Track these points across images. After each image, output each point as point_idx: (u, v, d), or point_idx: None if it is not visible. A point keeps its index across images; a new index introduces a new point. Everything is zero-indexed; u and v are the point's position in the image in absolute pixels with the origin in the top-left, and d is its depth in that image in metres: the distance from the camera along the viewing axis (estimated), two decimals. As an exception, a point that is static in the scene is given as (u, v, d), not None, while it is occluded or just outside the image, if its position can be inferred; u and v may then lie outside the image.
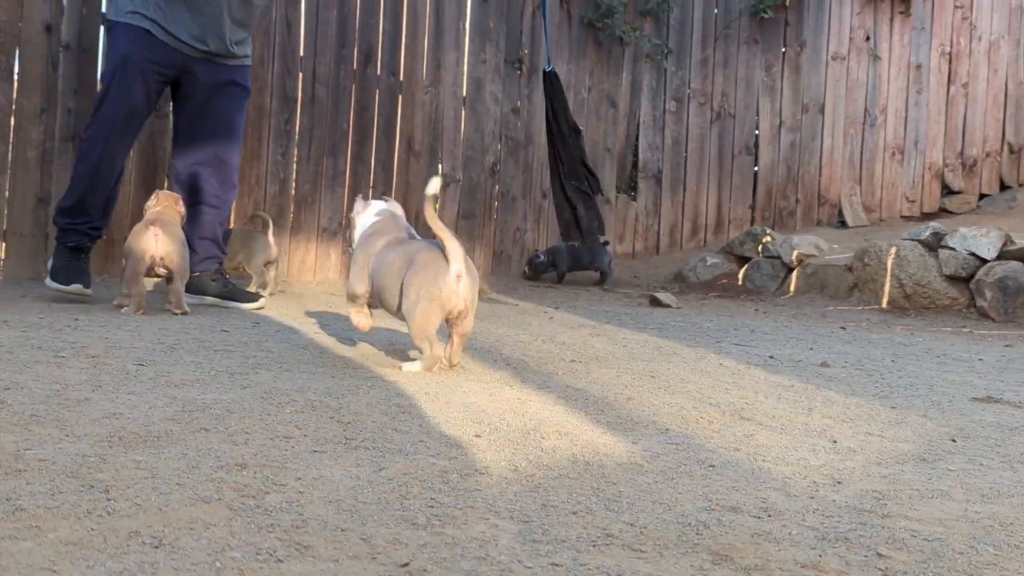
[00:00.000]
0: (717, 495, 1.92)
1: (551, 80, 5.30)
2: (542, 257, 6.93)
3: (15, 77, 4.98)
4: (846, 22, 8.32)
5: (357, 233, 3.42)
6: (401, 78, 6.46)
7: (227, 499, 1.69)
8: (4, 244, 5.02)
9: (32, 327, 3.57)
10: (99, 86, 4.63)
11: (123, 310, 4.15)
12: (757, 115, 8.19)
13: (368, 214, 3.43)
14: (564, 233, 6.53)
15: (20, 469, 1.78)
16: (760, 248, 7.34)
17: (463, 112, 6.83)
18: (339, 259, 6.14)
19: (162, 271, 4.19)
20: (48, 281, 4.42)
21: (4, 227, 4.98)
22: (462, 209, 6.81)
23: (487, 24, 6.90)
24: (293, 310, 4.78)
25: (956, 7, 8.55)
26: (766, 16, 7.94)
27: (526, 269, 6.98)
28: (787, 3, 8.05)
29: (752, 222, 8.06)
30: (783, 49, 8.19)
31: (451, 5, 6.69)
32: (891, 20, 8.42)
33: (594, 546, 1.58)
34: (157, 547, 1.45)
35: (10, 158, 4.98)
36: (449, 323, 3.11)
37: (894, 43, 8.46)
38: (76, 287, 4.36)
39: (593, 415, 2.65)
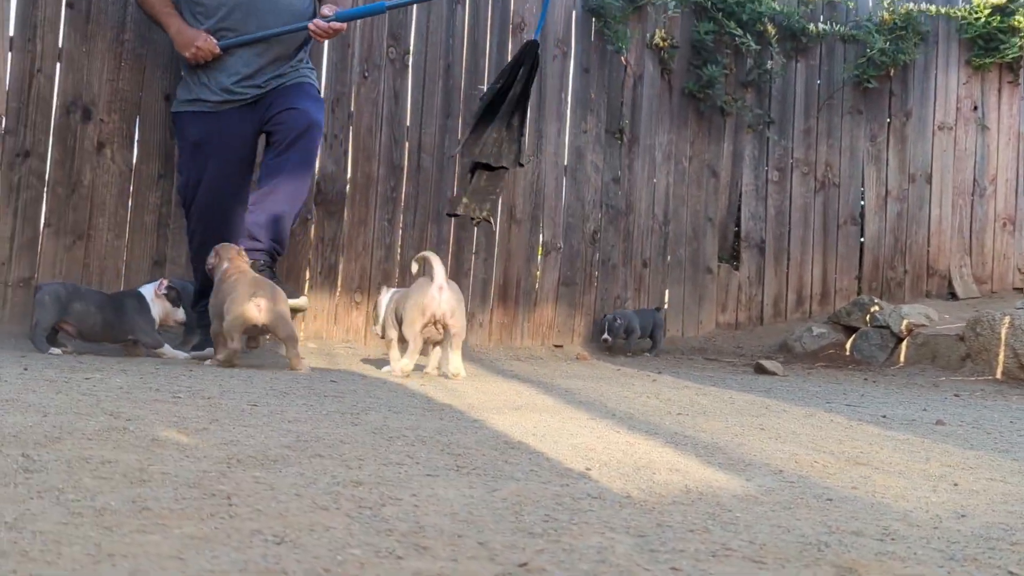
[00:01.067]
0: (837, 522, 1.88)
1: (534, 50, 4.89)
2: (619, 321, 6.79)
3: (135, 144, 5.19)
4: (952, 92, 8.22)
5: (381, 309, 4.71)
6: (504, 147, 6.57)
7: (345, 509, 1.71)
8: (122, 304, 5.19)
9: (148, 375, 3.68)
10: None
11: (208, 362, 4.26)
12: (862, 185, 8.09)
13: (387, 295, 4.74)
14: (450, 203, 5.61)
15: (144, 480, 1.82)
16: (868, 318, 7.20)
17: (564, 181, 6.90)
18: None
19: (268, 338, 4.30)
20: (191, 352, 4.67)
21: (122, 288, 5.15)
22: (562, 276, 6.84)
23: (588, 95, 6.99)
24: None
25: (1067, 75, 8.40)
26: (870, 86, 7.89)
27: (607, 337, 6.77)
28: (891, 73, 7.99)
29: (858, 293, 7.92)
30: (888, 119, 8.12)
31: (553, 77, 6.81)
32: (999, 90, 8.29)
33: (714, 556, 1.56)
34: (279, 543, 1.47)
35: (129, 222, 5.18)
36: (439, 329, 4.34)
37: (1003, 112, 8.32)
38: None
39: (704, 456, 2.61)
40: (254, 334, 4.32)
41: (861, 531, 1.81)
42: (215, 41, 4.75)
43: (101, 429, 2.32)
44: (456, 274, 6.29)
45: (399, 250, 6.10)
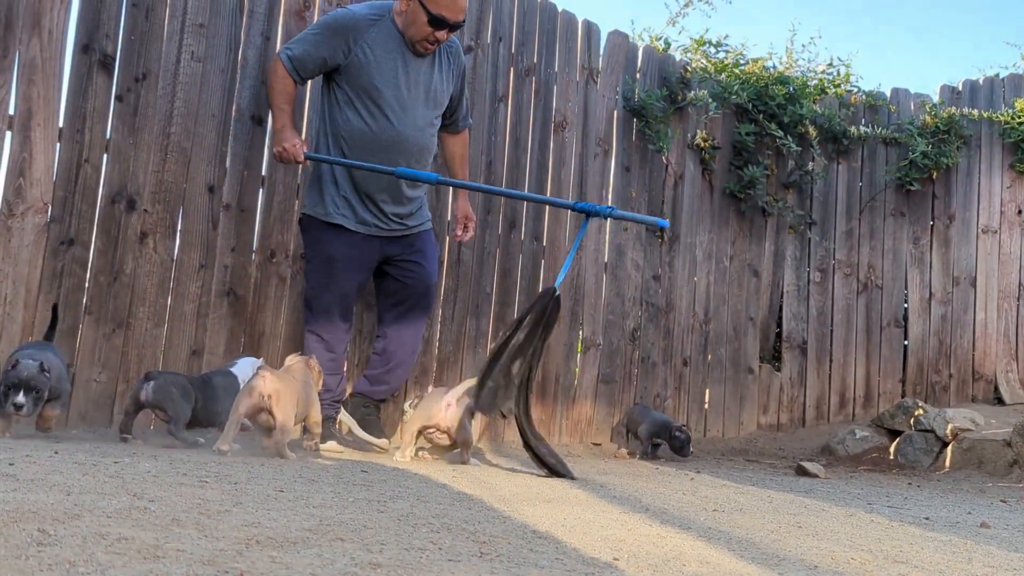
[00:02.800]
0: (871, 618, 1.81)
1: (549, 296, 4.63)
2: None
3: (177, 234, 5.26)
4: (996, 196, 8.18)
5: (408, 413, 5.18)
6: (544, 243, 6.59)
7: (359, 589, 1.67)
8: (159, 393, 5.19)
9: (178, 461, 3.66)
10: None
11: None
12: (906, 287, 8.02)
13: (411, 401, 5.38)
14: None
15: (158, 556, 1.80)
16: (912, 421, 7.06)
17: (604, 278, 6.90)
18: (479, 419, 6.13)
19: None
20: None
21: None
22: (601, 373, 6.79)
23: (629, 193, 7.03)
24: (437, 464, 4.79)
25: (1112, 179, 8.33)
26: (912, 188, 7.86)
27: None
28: (933, 176, 7.98)
29: (902, 396, 7.78)
30: (931, 221, 8.07)
31: (595, 175, 6.86)
32: (1044, 193, 8.25)
33: (737, 646, 1.50)
34: (288, 619, 1.44)
35: (168, 311, 5.22)
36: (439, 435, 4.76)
37: (1048, 216, 8.26)
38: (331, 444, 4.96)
39: (736, 551, 2.54)
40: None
41: (896, 626, 1.73)
42: (304, 151, 4.98)
43: (122, 508, 2.30)
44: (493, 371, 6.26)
45: (437, 343, 6.09)
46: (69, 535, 1.90)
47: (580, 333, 6.76)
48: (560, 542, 2.41)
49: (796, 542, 2.82)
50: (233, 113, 5.40)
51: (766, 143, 7.53)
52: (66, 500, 2.33)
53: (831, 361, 7.78)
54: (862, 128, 7.83)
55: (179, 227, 5.26)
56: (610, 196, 6.98)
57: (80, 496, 2.43)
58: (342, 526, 2.34)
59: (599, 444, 6.70)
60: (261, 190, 5.51)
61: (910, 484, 5.92)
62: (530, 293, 6.50)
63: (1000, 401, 7.97)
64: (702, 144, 7.31)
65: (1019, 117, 8.04)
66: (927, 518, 3.86)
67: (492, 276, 6.34)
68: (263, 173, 5.51)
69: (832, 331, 7.81)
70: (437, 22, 4.87)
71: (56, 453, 3.48)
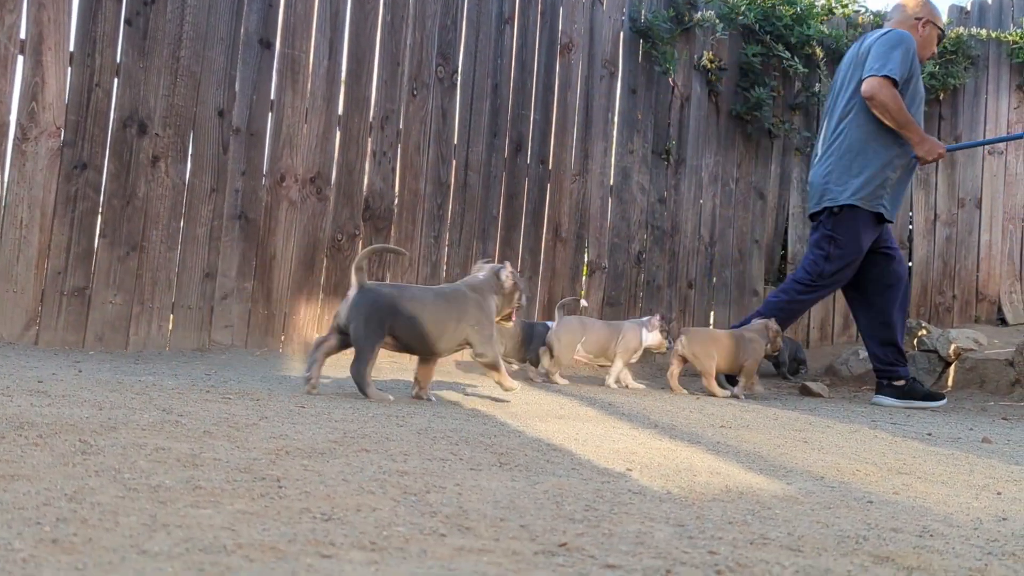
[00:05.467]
0: (876, 521, 1.89)
1: None
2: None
3: (189, 158, 5.30)
4: (1003, 116, 8.16)
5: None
6: (550, 167, 6.62)
7: (390, 494, 1.75)
8: (172, 316, 5.29)
9: (199, 379, 3.75)
10: None
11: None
12: (911, 209, 8.05)
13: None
14: None
15: (196, 464, 1.88)
16: (916, 342, 7.14)
17: (610, 201, 6.94)
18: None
19: None
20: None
21: (173, 299, 5.25)
22: (607, 296, 6.86)
23: (635, 116, 7.03)
24: (444, 379, 4.88)
25: (1119, 101, 8.31)
26: (919, 110, 7.86)
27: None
28: (941, 97, 7.96)
29: (907, 317, 7.85)
30: (937, 143, 8.08)
31: (600, 97, 6.86)
32: (1051, 113, 8.24)
33: (751, 544, 1.58)
34: (327, 520, 1.51)
35: (181, 234, 5.27)
36: None
37: (1054, 137, 8.25)
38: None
39: (745, 463, 2.62)
40: None
41: (900, 528, 1.82)
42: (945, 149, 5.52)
43: (154, 422, 2.38)
44: (501, 291, 6.33)
45: (444, 267, 6.15)
46: (109, 445, 1.98)
47: (586, 256, 6.81)
48: (574, 454, 2.49)
49: (802, 455, 2.91)
50: (242, 36, 5.40)
51: (773, 64, 7.51)
52: (99, 414, 2.41)
53: (835, 283, 7.83)
54: (869, 49, 7.79)
55: (190, 151, 5.30)
56: (616, 119, 6.98)
57: (112, 411, 2.51)
58: (366, 438, 2.42)
59: (606, 365, 6.78)
60: (270, 114, 5.53)
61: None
62: (536, 217, 6.55)
63: (1003, 322, 8.05)
64: (709, 66, 7.29)
65: (1027, 37, 8.00)
66: (929, 434, 3.95)
67: (498, 200, 6.38)
68: (272, 97, 5.53)
69: (836, 253, 7.85)
70: (941, 37, 5.68)
71: (80, 372, 3.57)
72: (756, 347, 5.21)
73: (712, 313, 7.47)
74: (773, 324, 5.27)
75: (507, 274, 3.76)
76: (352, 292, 3.43)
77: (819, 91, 7.64)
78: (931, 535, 1.77)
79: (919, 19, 5.49)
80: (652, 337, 5.50)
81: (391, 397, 3.54)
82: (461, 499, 1.76)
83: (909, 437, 3.73)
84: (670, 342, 5.52)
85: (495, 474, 2.07)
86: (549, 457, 2.40)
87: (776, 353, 5.65)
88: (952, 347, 6.75)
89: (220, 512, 1.51)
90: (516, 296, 3.78)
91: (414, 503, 1.69)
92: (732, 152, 7.54)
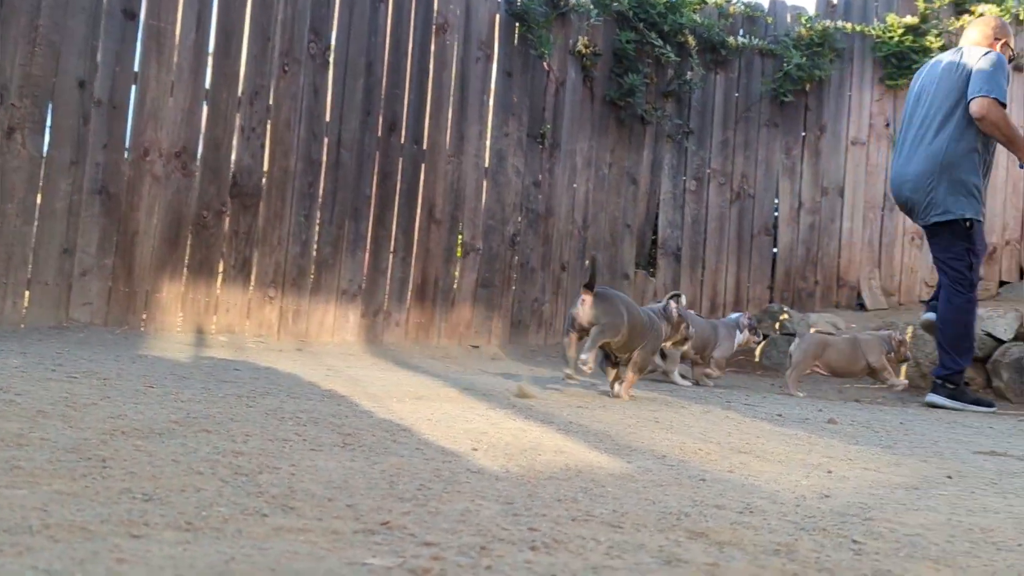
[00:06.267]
0: (703, 498, 1.95)
1: None
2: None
3: (47, 130, 5.14)
4: (865, 108, 8.43)
5: None
6: (424, 147, 6.60)
7: (220, 475, 1.74)
8: (28, 292, 5.12)
9: (48, 357, 3.65)
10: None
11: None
12: (777, 197, 8.27)
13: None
14: None
15: (21, 444, 1.83)
16: (777, 326, 7.36)
17: (485, 183, 6.96)
18: (357, 321, 6.21)
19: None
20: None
21: (29, 275, 5.08)
22: (481, 277, 6.89)
23: (511, 99, 7.06)
24: (311, 364, 4.84)
25: (975, 97, 8.63)
26: (786, 100, 8.07)
27: None
28: (807, 88, 8.19)
29: (771, 302, 8.08)
30: (803, 133, 8.31)
31: (475, 79, 6.87)
32: (910, 107, 8.53)
33: (573, 520, 1.61)
34: (147, 501, 1.50)
35: (38, 208, 5.11)
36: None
37: (913, 130, 8.54)
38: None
39: (592, 443, 2.68)
40: None
41: (724, 505, 1.88)
42: None
43: (-13, 401, 2.32)
44: (373, 272, 6.31)
45: (315, 246, 6.09)
46: (-71, 425, 1.92)
47: (460, 238, 6.83)
48: (423, 434, 2.50)
49: (650, 435, 2.98)
50: (104, 6, 5.25)
51: (646, 52, 7.62)
52: (-73, 394, 2.34)
53: (704, 267, 8.02)
54: (740, 39, 7.98)
55: (48, 123, 5.13)
56: (491, 101, 7.00)
57: (-58, 390, 2.43)
58: (209, 419, 2.39)
59: (477, 347, 6.82)
60: (134, 86, 5.39)
61: (772, 385, 6.21)
62: (410, 197, 6.54)
63: (862, 307, 8.33)
64: (583, 51, 7.36)
65: (890, 32, 8.27)
66: (779, 415, 4.08)
67: (372, 179, 6.34)
68: (136, 69, 5.39)
69: (705, 238, 8.04)
70: (1012, 58, 6.01)
71: (-81, 350, 3.44)
72: (875, 348, 5.57)
73: (584, 296, 7.56)
74: (898, 335, 5.63)
75: (673, 307, 4.66)
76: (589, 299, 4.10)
77: (691, 79, 7.78)
78: (752, 512, 1.84)
79: (998, 40, 5.81)
80: (743, 336, 5.92)
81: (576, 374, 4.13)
82: (293, 479, 1.76)
83: (759, 418, 3.85)
84: (758, 338, 6.09)
85: (335, 454, 2.07)
86: (396, 437, 2.41)
87: (903, 362, 5.95)
88: (811, 330, 6.97)
89: (35, 492, 1.48)
90: (682, 327, 4.72)
91: (243, 484, 1.68)
92: (606, 137, 7.63)
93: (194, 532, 1.34)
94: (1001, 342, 6.46)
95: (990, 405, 5.55)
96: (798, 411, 4.31)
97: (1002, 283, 8.68)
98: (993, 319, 6.45)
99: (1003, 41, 5.79)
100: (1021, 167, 5.79)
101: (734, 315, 6.13)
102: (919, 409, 5.25)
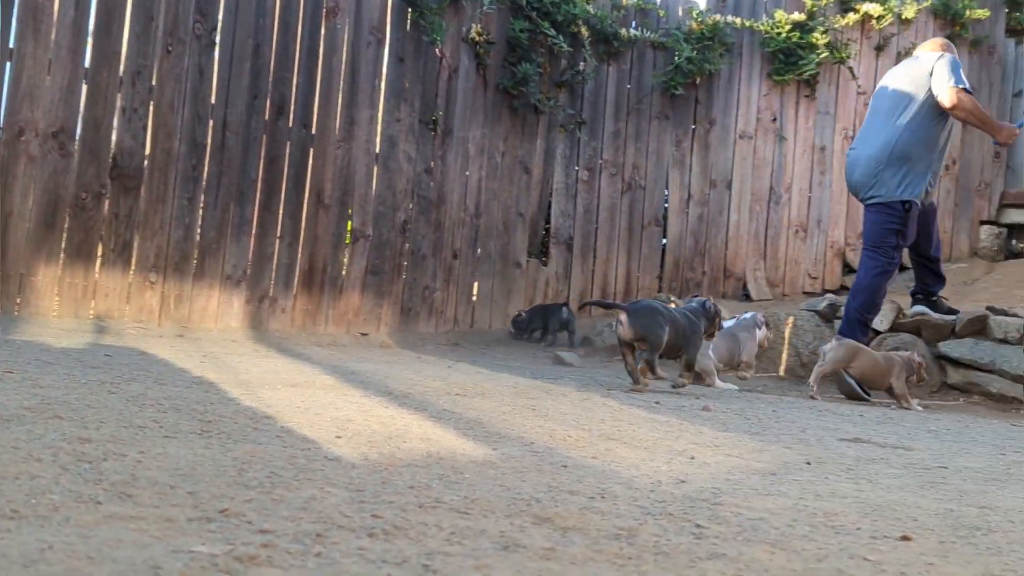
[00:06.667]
0: (560, 484, 1.97)
1: None
2: (522, 314, 7.42)
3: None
4: (754, 103, 8.59)
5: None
6: (313, 131, 6.52)
7: (61, 461, 1.70)
8: None
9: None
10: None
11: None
12: (667, 188, 8.38)
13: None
14: None
15: None
16: (664, 315, 7.46)
17: (375, 168, 6.90)
18: (241, 307, 6.12)
19: None
20: None
21: None
22: (370, 264, 6.84)
23: (402, 85, 7.01)
24: (188, 351, 4.76)
25: (859, 93, 8.88)
26: (677, 93, 8.18)
27: (512, 329, 7.46)
28: (697, 82, 8.31)
29: (659, 291, 8.19)
30: (693, 126, 8.43)
31: (367, 64, 6.80)
32: (797, 103, 8.71)
33: (420, 507, 1.61)
34: (-25, 489, 1.45)
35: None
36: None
37: (799, 125, 8.74)
38: None
39: (462, 430, 2.68)
40: None
41: (578, 491, 1.90)
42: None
43: None
44: (259, 258, 6.22)
45: (199, 230, 5.97)
46: None
47: (349, 224, 6.77)
48: (288, 422, 2.48)
49: (523, 422, 3.00)
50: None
51: (540, 41, 7.64)
52: None
53: (595, 257, 8.09)
54: (632, 31, 8.05)
55: None
56: (383, 86, 6.95)
57: None
58: (64, 405, 2.33)
59: (366, 334, 6.78)
60: (8, 63, 5.22)
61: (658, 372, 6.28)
62: (297, 182, 6.45)
63: (748, 297, 8.50)
64: (477, 38, 7.34)
65: (778, 28, 8.44)
66: (657, 402, 4.14)
67: (258, 163, 6.24)
68: (11, 46, 5.22)
69: (597, 228, 8.11)
70: None
71: None
72: (898, 370, 5.53)
73: (476, 284, 7.57)
74: (917, 357, 5.54)
75: (711, 302, 5.08)
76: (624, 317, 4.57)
77: (583, 70, 7.83)
78: (604, 497, 1.86)
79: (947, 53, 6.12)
80: (762, 333, 5.94)
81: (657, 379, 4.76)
82: (138, 467, 1.72)
83: (636, 406, 3.90)
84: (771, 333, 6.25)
85: (190, 442, 2.04)
86: (259, 425, 2.38)
87: (920, 383, 5.84)
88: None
89: None
90: (717, 320, 5.06)
91: (84, 471, 1.65)
92: (499, 126, 7.64)
93: (18, 520, 1.30)
94: (878, 333, 6.64)
95: None
96: (676, 399, 4.38)
97: (882, 275, 8.92)
98: (870, 310, 6.64)
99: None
100: (994, 144, 6.07)
101: (748, 315, 6.16)
102: (796, 398, 5.37)
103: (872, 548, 1.64)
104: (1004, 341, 5.77)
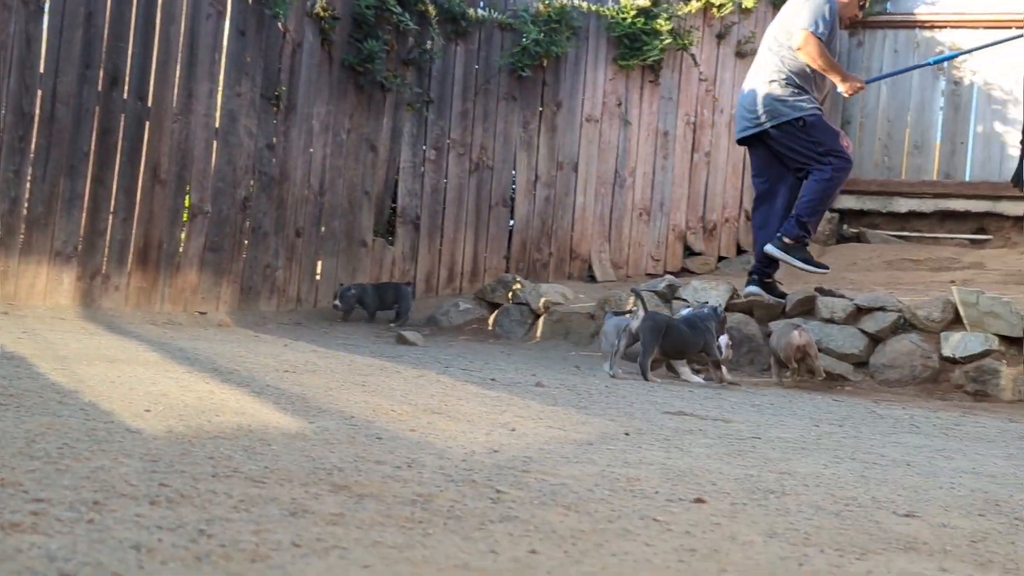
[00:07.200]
0: (369, 455, 1.96)
1: None
2: (352, 291, 7.15)
3: None
4: (600, 87, 8.71)
5: None
6: (150, 104, 6.31)
7: None
8: None
9: None
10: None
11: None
12: (514, 169, 8.43)
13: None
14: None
15: None
16: (510, 295, 7.52)
17: (215, 143, 6.73)
18: (72, 284, 5.89)
19: None
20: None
21: None
22: (209, 242, 6.67)
23: (244, 58, 6.85)
24: (8, 328, 4.56)
25: (701, 80, 9.10)
26: (524, 75, 8.22)
27: (337, 304, 7.17)
28: (544, 64, 8.37)
29: (507, 272, 8.25)
30: (540, 108, 8.50)
31: (206, 35, 6.62)
32: (641, 88, 8.87)
33: (214, 476, 1.59)
34: None
35: None
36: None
37: (644, 110, 8.90)
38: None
39: (282, 405, 2.65)
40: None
41: (386, 461, 1.90)
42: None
43: None
44: (91, 234, 5.99)
45: (26, 204, 5.72)
46: None
47: (187, 200, 6.59)
48: (98, 396, 2.40)
49: (349, 397, 2.98)
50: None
51: (386, 18, 7.56)
52: None
53: (442, 237, 8.09)
54: (480, 11, 8.06)
55: None
56: (223, 59, 6.78)
57: None
58: None
59: (204, 313, 6.62)
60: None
61: (502, 352, 6.33)
62: (132, 156, 6.25)
63: (593, 279, 8.64)
64: (321, 14, 7.23)
65: (623, 13, 8.56)
66: (493, 379, 4.17)
67: (90, 136, 6.01)
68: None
69: (444, 208, 8.10)
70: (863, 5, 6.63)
71: None
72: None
73: (320, 263, 7.48)
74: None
75: (722, 308, 5.53)
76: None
77: (431, 48, 7.80)
78: (411, 466, 1.86)
79: None
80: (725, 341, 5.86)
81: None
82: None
83: (470, 382, 3.92)
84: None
85: (-19, 415, 1.95)
86: (65, 398, 2.30)
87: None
88: (542, 301, 7.17)
89: None
90: (724, 324, 5.41)
91: None
92: (344, 103, 7.55)
93: None
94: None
95: (822, 267, 6.28)
96: (512, 376, 4.42)
97: (721, 258, 9.21)
98: (707, 291, 6.81)
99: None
100: (839, 92, 6.39)
101: (706, 308, 6.03)
102: (634, 376, 5.47)
103: (665, 510, 1.69)
104: (831, 321, 6.00)
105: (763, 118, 6.17)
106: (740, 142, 6.48)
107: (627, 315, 5.78)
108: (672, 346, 5.19)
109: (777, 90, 6.17)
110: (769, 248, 6.08)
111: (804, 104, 6.16)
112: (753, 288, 6.40)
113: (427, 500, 1.56)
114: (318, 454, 1.90)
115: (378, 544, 1.29)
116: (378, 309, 7.38)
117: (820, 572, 1.41)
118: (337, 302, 7.14)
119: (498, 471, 1.89)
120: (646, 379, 4.93)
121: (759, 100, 6.20)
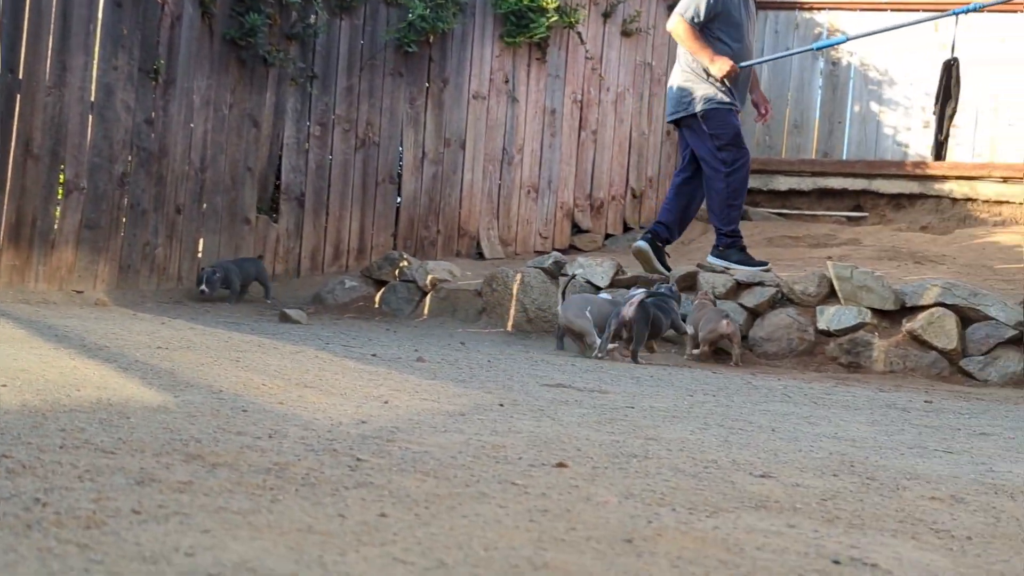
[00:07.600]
0: (231, 427, 1.94)
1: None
2: (218, 273, 6.89)
3: None
4: (487, 63, 8.70)
5: None
6: (21, 76, 6.10)
7: None
8: None
9: None
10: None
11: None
12: (401, 146, 8.38)
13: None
14: None
15: None
16: (397, 272, 7.48)
17: (90, 118, 6.53)
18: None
19: None
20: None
21: None
22: (85, 219, 6.48)
23: (120, 31, 6.66)
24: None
25: (587, 59, 9.16)
26: (410, 51, 8.16)
27: (204, 289, 6.80)
28: (431, 40, 8.32)
29: (394, 249, 8.20)
30: (427, 84, 8.44)
31: (80, 6, 6.41)
32: (528, 65, 8.89)
33: (62, 448, 1.55)
34: None
35: None
36: None
37: (531, 87, 8.93)
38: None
39: (148, 379, 2.60)
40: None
41: (246, 432, 1.88)
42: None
43: None
44: (-42, 209, 5.78)
45: None
46: None
47: (62, 176, 6.39)
48: (-49, 372, 2.32)
49: (221, 372, 2.93)
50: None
51: (269, -9, 7.44)
52: None
53: (328, 214, 8.00)
54: (365, -14, 7.97)
55: None
56: (99, 31, 6.58)
57: None
58: None
59: (81, 292, 6.44)
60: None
61: (388, 330, 6.31)
62: (3, 130, 6.03)
63: (481, 256, 8.65)
64: (202, -14, 7.07)
65: (509, -10, 8.57)
66: (374, 355, 4.15)
67: (-43, 106, 5.79)
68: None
69: (330, 185, 8.01)
70: None
71: None
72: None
73: (201, 240, 7.34)
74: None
75: (676, 288, 5.81)
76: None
77: (315, 23, 7.69)
78: (272, 437, 1.85)
79: None
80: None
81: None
82: None
83: (350, 358, 3.90)
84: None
85: None
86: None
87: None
88: (429, 278, 7.15)
89: None
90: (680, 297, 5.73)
91: None
92: (226, 77, 7.39)
93: None
94: (599, 289, 6.91)
95: (762, 264, 6.24)
96: (394, 352, 4.41)
97: (608, 236, 9.31)
98: (592, 267, 6.89)
99: None
100: (707, 74, 6.39)
101: (663, 288, 5.96)
102: (515, 351, 5.51)
103: (526, 475, 1.71)
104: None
105: (677, 107, 6.32)
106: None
107: (597, 296, 6.02)
108: (655, 330, 5.43)
109: (682, 79, 6.29)
110: (710, 259, 6.28)
111: (707, 95, 6.22)
112: (642, 243, 6.44)
113: (283, 468, 1.55)
114: (178, 426, 1.87)
115: (223, 510, 1.27)
116: (244, 284, 7.18)
117: (668, 528, 1.45)
118: (204, 287, 6.83)
119: (362, 440, 1.89)
120: (636, 362, 5.12)
121: (673, 88, 6.39)
